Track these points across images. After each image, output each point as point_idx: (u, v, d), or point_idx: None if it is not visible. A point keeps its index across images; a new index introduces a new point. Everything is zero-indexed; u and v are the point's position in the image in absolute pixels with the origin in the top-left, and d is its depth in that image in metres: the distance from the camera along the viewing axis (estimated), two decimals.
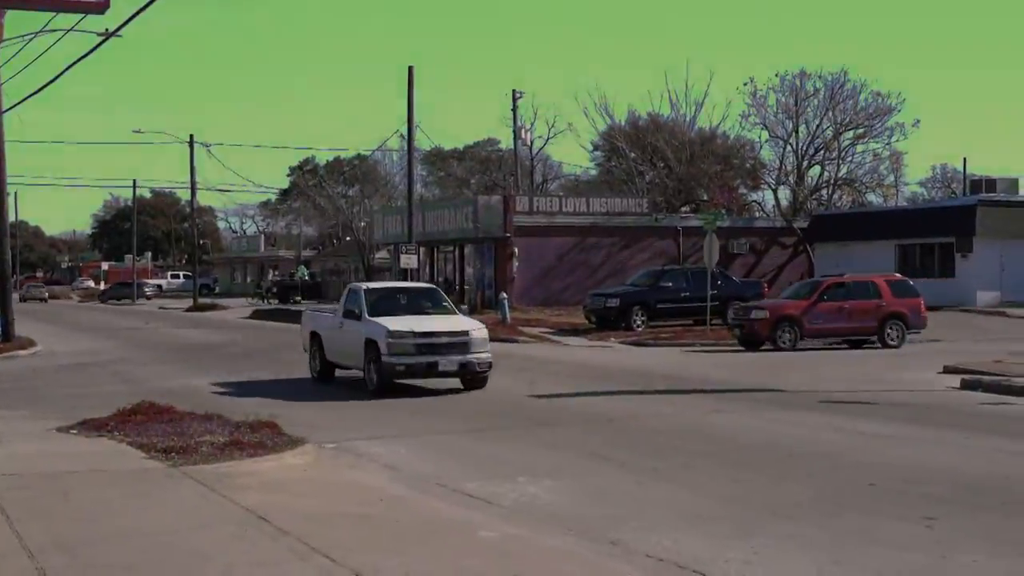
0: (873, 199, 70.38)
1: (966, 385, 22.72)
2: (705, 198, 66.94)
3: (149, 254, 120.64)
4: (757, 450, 14.61)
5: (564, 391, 21.98)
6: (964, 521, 10.42)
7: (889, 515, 10.69)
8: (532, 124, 73.90)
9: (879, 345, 33.55)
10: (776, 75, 65.15)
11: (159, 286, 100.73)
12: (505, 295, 44.99)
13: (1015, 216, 49.65)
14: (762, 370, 26.72)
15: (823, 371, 26.60)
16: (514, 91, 64.83)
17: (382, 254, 78.32)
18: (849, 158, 65.06)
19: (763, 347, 33.13)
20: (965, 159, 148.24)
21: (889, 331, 33.90)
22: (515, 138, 66.50)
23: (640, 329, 40.02)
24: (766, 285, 46.44)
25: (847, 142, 63.55)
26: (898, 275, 37.32)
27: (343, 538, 9.69)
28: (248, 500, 11.02)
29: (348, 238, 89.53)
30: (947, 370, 25.98)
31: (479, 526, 10.41)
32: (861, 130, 62.74)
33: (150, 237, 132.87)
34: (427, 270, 59.72)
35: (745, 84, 63.18)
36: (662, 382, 23.63)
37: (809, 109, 62.59)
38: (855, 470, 13.01)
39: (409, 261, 47.11)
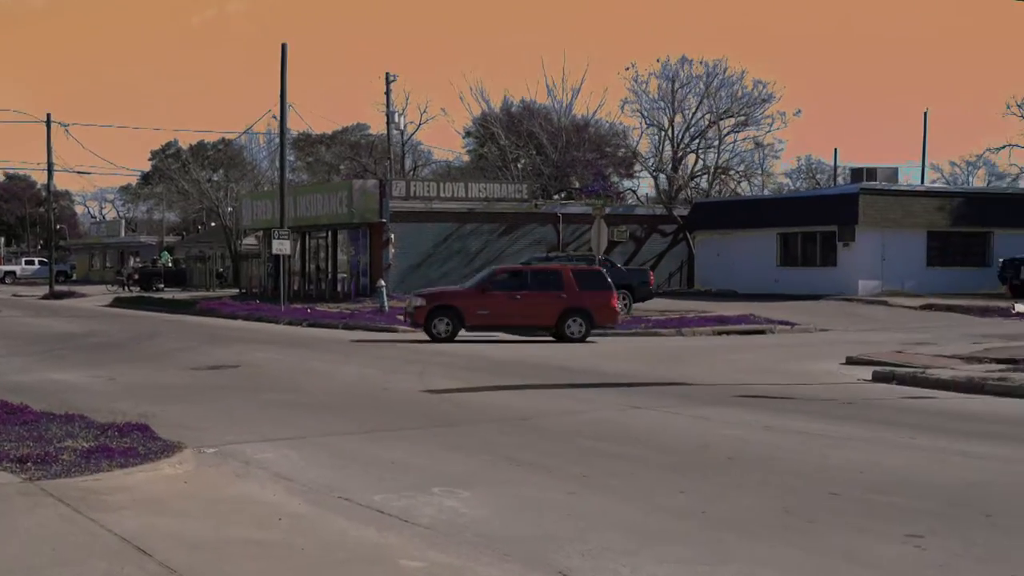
0: (748, 188, 70.16)
1: (879, 377, 21.83)
2: (577, 185, 66.06)
3: (2, 239, 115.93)
4: (691, 453, 13.21)
5: (459, 386, 20.43)
6: (954, 540, 9.11)
7: (868, 532, 9.34)
8: (404, 109, 72.18)
9: (555, 340, 31.47)
10: (657, 61, 64.59)
11: (13, 272, 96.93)
12: (383, 283, 43.30)
13: (896, 205, 49.44)
14: (658, 360, 25.62)
15: (719, 361, 25.54)
16: (387, 74, 63.01)
17: (250, 240, 75.97)
18: (727, 146, 64.72)
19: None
20: (836, 150, 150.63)
21: (570, 325, 31.55)
22: (388, 122, 64.66)
23: None
24: (651, 273, 45.51)
25: (726, 130, 63.17)
26: (597, 266, 34.46)
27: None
28: (122, 525, 9.21)
29: (214, 224, 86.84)
30: (850, 361, 25.23)
31: (399, 552, 8.81)
32: (742, 117, 62.32)
33: (3, 222, 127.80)
34: (298, 256, 57.63)
35: (627, 69, 62.48)
36: (561, 375, 22.29)
37: (690, 96, 62.03)
38: (808, 477, 11.67)
39: (282, 247, 45.09)
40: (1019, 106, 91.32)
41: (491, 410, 17.11)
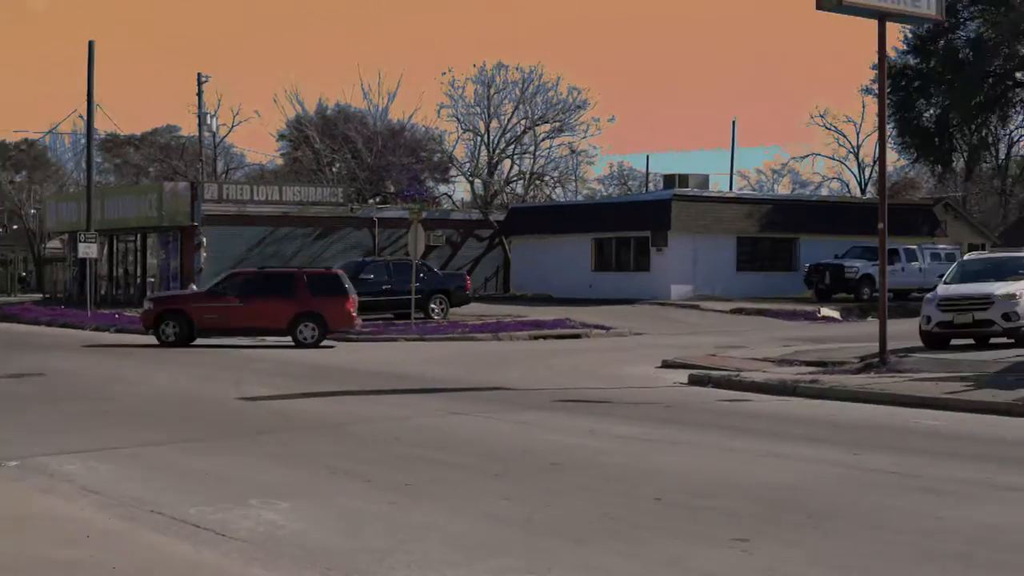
0: (562, 193, 70.81)
1: (695, 381, 22.10)
2: (392, 190, 65.78)
3: None
4: (515, 459, 13.06)
5: (275, 393, 19.98)
6: (779, 543, 9.11)
7: (694, 537, 9.31)
8: (216, 111, 70.73)
9: (293, 344, 31.12)
10: (474, 66, 64.73)
11: None
12: (195, 287, 42.28)
13: (707, 211, 50.42)
14: (477, 365, 25.53)
15: (538, 366, 25.57)
16: (199, 75, 61.58)
17: (55, 243, 73.54)
18: (542, 152, 65.19)
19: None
20: (648, 157, 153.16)
21: (302, 330, 31.18)
22: (200, 124, 63.24)
23: None
24: (468, 277, 45.49)
25: (542, 136, 63.61)
26: (335, 271, 34.05)
27: None
28: None
29: (16, 227, 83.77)
30: (666, 365, 25.52)
31: (216, 569, 8.43)
32: (557, 123, 62.84)
33: None
34: (106, 260, 55.93)
35: (444, 74, 62.46)
36: (379, 380, 21.98)
37: (506, 102, 62.30)
38: (633, 482, 11.62)
39: (88, 250, 43.67)
40: (821, 116, 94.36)
41: (309, 417, 16.72)
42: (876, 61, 65.65)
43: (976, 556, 8.65)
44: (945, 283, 27.57)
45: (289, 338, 31.25)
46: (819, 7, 21.82)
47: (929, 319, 26.31)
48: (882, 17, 22.41)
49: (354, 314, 31.98)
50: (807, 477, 11.92)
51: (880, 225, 22.68)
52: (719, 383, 21.47)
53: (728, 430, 15.54)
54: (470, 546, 9.06)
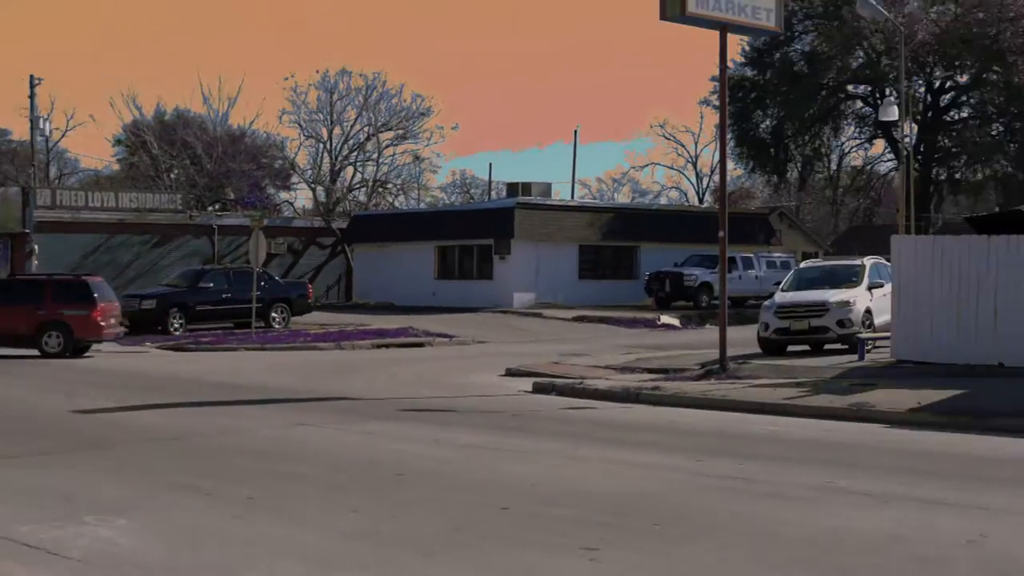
0: (405, 201, 70.60)
1: (539, 389, 22.15)
2: (232, 197, 64.79)
3: None
4: (361, 470, 12.87)
5: (110, 404, 19.42)
6: (628, 551, 9.11)
7: (544, 547, 9.25)
8: (50, 114, 68.84)
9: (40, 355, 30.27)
10: (317, 72, 64.15)
11: None
12: None
13: (550, 219, 50.73)
14: (321, 374, 25.24)
15: (382, 375, 25.37)
16: (32, 77, 59.84)
17: None
18: (385, 160, 64.91)
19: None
20: (491, 164, 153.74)
21: (47, 340, 30.27)
22: (32, 128, 61.43)
23: (179, 332, 37.70)
24: (310, 286, 45.02)
25: (385, 143, 63.35)
26: (83, 278, 32.68)
27: None
28: None
29: None
30: (509, 373, 25.55)
31: None
32: (400, 131, 62.64)
33: None
34: None
35: (286, 79, 61.75)
36: (220, 391, 21.54)
37: (349, 108, 61.90)
38: (480, 492, 11.53)
39: None
40: (661, 126, 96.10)
41: (148, 430, 16.27)
42: (715, 73, 66.58)
43: (820, 561, 8.77)
44: (782, 291, 28.17)
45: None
46: (663, 17, 22.13)
47: (767, 326, 26.85)
48: (723, 28, 22.80)
49: (102, 324, 30.85)
50: (653, 484, 11.98)
51: (720, 234, 23.05)
52: (563, 391, 21.55)
53: (573, 438, 15.58)
54: (318, 560, 8.87)
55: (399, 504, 10.91)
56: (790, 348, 27.15)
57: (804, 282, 28.43)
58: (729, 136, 58.61)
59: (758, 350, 26.88)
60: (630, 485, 11.92)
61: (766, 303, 27.99)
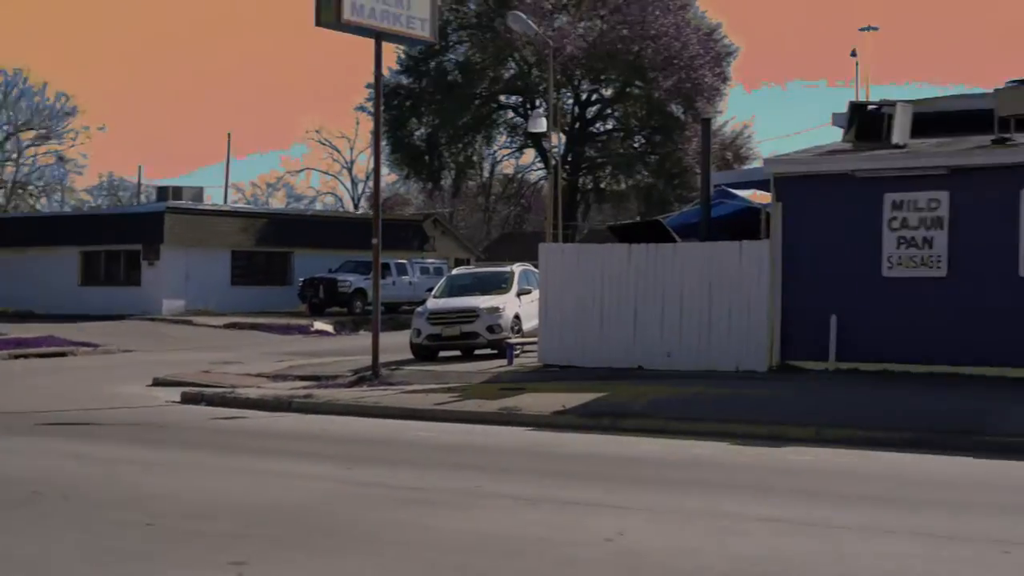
0: (47, 204, 67.63)
1: (188, 399, 21.62)
2: None
3: None
4: None
5: None
6: (279, 564, 8.94)
7: (191, 563, 8.96)
8: None
9: None
10: None
11: None
12: None
13: (202, 224, 49.71)
14: None
15: (19, 387, 24.22)
16: None
17: None
18: (26, 160, 62.01)
19: None
20: (140, 167, 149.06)
21: None
22: None
23: None
24: None
25: (26, 143, 60.49)
26: None
27: None
28: None
29: None
30: (157, 383, 24.85)
31: None
32: (43, 130, 59.96)
33: None
34: None
35: None
36: None
37: None
38: (124, 507, 11.09)
39: None
40: (317, 131, 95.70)
41: None
42: (370, 80, 67.18)
43: (473, 566, 8.86)
44: (435, 297, 28.56)
45: None
46: (319, 23, 22.03)
47: (419, 332, 27.14)
48: (379, 36, 22.91)
49: None
50: (304, 494, 11.83)
51: (374, 240, 23.11)
52: (213, 400, 21.10)
53: (223, 449, 15.26)
54: None
55: (35, 525, 10.35)
56: (442, 353, 27.53)
57: (456, 288, 28.91)
58: (384, 143, 59.12)
59: (411, 356, 27.12)
60: (280, 496, 11.75)
61: (419, 309, 28.31)
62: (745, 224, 24.96)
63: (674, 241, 24.04)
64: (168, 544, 9.60)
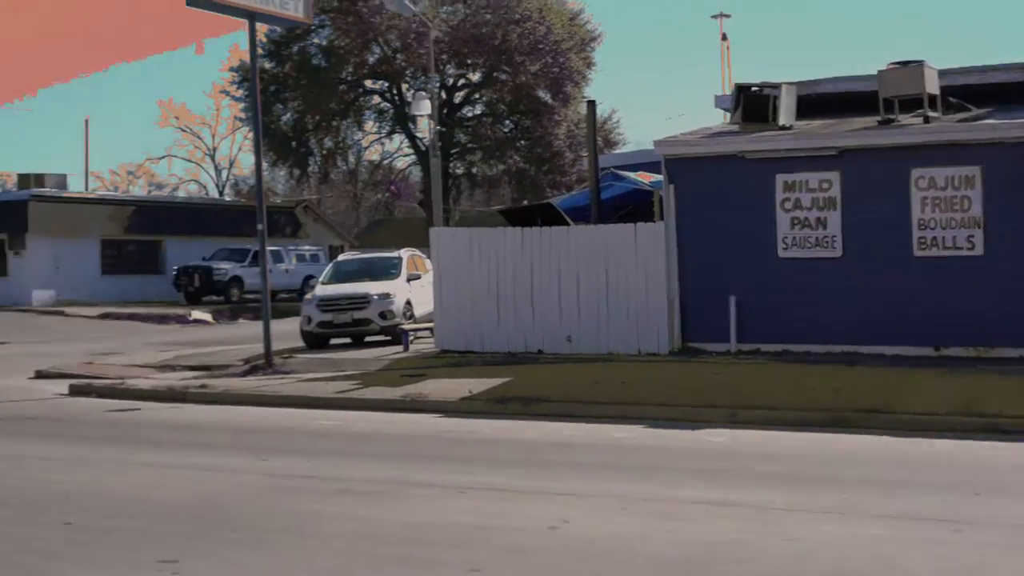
0: None
1: (76, 391, 20.96)
2: None
3: None
4: None
5: None
6: (213, 561, 8.60)
7: (120, 563, 8.57)
8: None
9: None
10: None
11: None
12: None
13: (69, 213, 48.40)
14: None
15: None
16: None
17: None
18: None
19: None
20: None
21: None
22: None
23: None
24: None
25: None
26: None
27: None
28: None
29: None
30: (40, 375, 24.07)
31: None
32: None
33: None
34: None
35: None
36: None
37: None
38: (35, 507, 10.60)
39: None
40: (176, 118, 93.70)
41: None
42: (232, 64, 65.95)
43: (412, 556, 8.63)
44: (323, 283, 28.07)
45: None
46: (190, 3, 21.37)
47: (310, 319, 26.65)
48: (252, 16, 22.41)
49: None
50: (223, 488, 11.44)
51: (259, 227, 22.60)
52: (103, 392, 20.47)
53: (126, 442, 14.76)
54: None
55: None
56: (333, 341, 27.11)
57: (343, 275, 28.45)
58: (250, 129, 58.09)
59: (301, 344, 26.65)
60: (199, 490, 11.35)
61: (307, 296, 27.81)
62: (637, 206, 25.02)
63: (567, 224, 23.96)
64: (92, 544, 9.20)
